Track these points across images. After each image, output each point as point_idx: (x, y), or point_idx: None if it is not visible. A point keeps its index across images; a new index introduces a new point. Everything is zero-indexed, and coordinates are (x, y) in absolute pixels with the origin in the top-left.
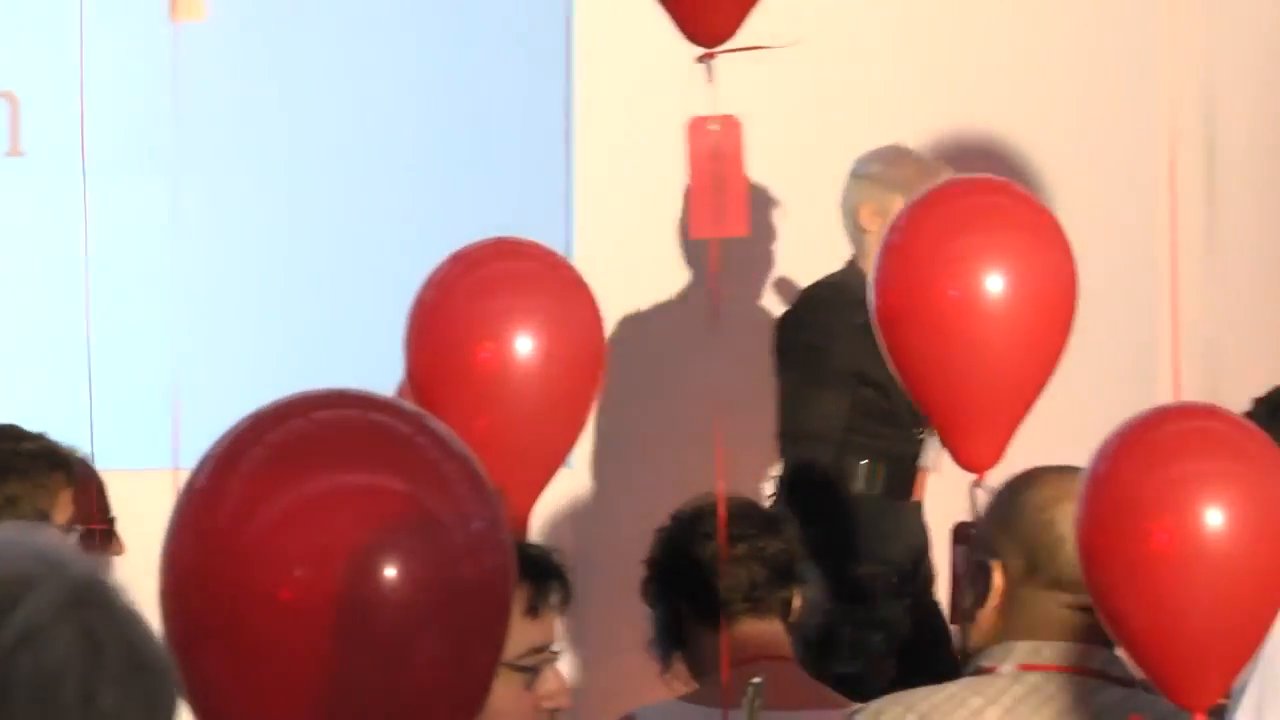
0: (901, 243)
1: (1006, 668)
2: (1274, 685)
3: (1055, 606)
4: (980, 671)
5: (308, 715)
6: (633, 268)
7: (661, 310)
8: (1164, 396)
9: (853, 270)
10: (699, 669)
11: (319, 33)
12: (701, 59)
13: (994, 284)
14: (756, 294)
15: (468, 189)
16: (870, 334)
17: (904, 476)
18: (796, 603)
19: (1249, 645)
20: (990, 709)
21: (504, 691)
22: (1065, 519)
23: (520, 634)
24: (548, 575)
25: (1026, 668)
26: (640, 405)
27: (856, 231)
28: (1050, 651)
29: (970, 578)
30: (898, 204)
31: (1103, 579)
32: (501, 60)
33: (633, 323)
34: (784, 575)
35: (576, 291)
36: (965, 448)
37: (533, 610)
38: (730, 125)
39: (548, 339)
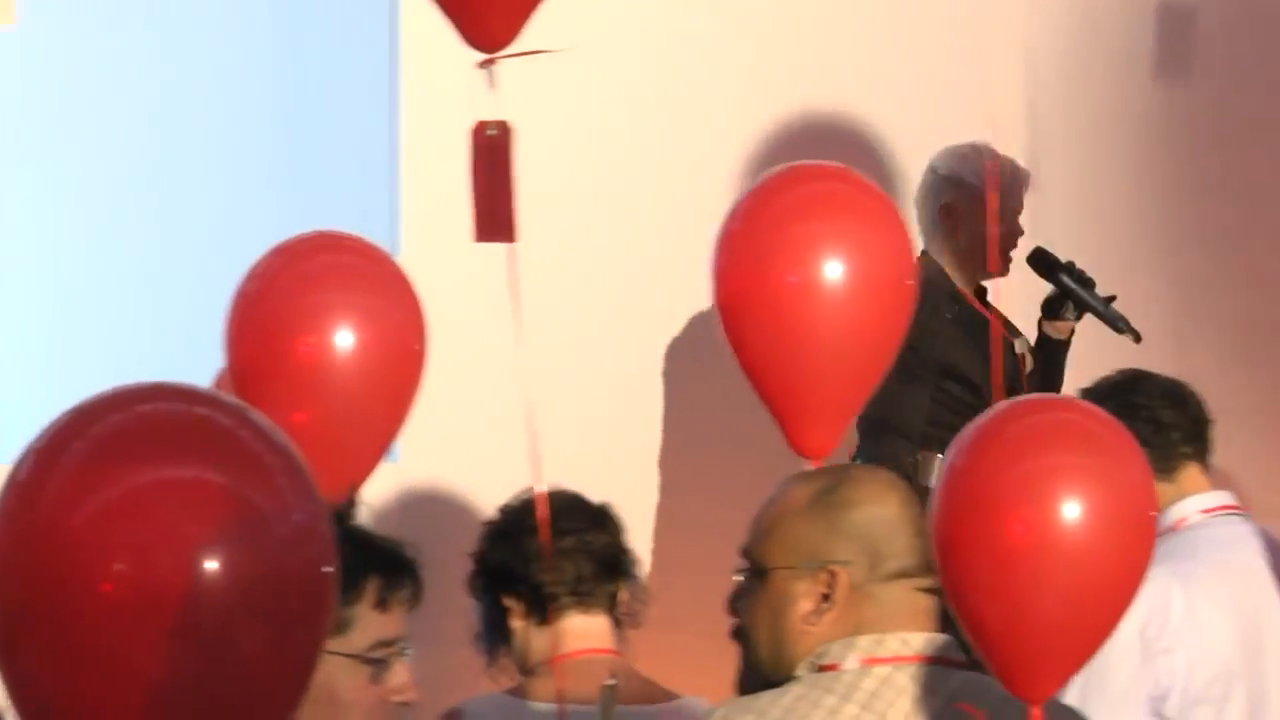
0: (741, 230)
1: (850, 664)
2: (1099, 672)
3: (907, 593)
4: (821, 670)
5: (130, 709)
6: (457, 264)
7: (484, 306)
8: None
9: (931, 265)
10: (525, 663)
11: (138, 30)
12: (483, 65)
13: (833, 270)
14: (556, 293)
15: (292, 187)
16: (958, 328)
17: None
18: (623, 596)
19: (1097, 639)
20: (847, 706)
21: (351, 684)
22: (891, 505)
23: (369, 627)
24: (399, 569)
25: (870, 661)
26: (465, 398)
27: (934, 229)
28: (895, 643)
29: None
30: (978, 208)
31: (958, 571)
32: (327, 56)
33: (455, 317)
34: (611, 569)
35: (398, 286)
36: (803, 434)
37: (382, 603)
38: (504, 130)
39: (369, 333)
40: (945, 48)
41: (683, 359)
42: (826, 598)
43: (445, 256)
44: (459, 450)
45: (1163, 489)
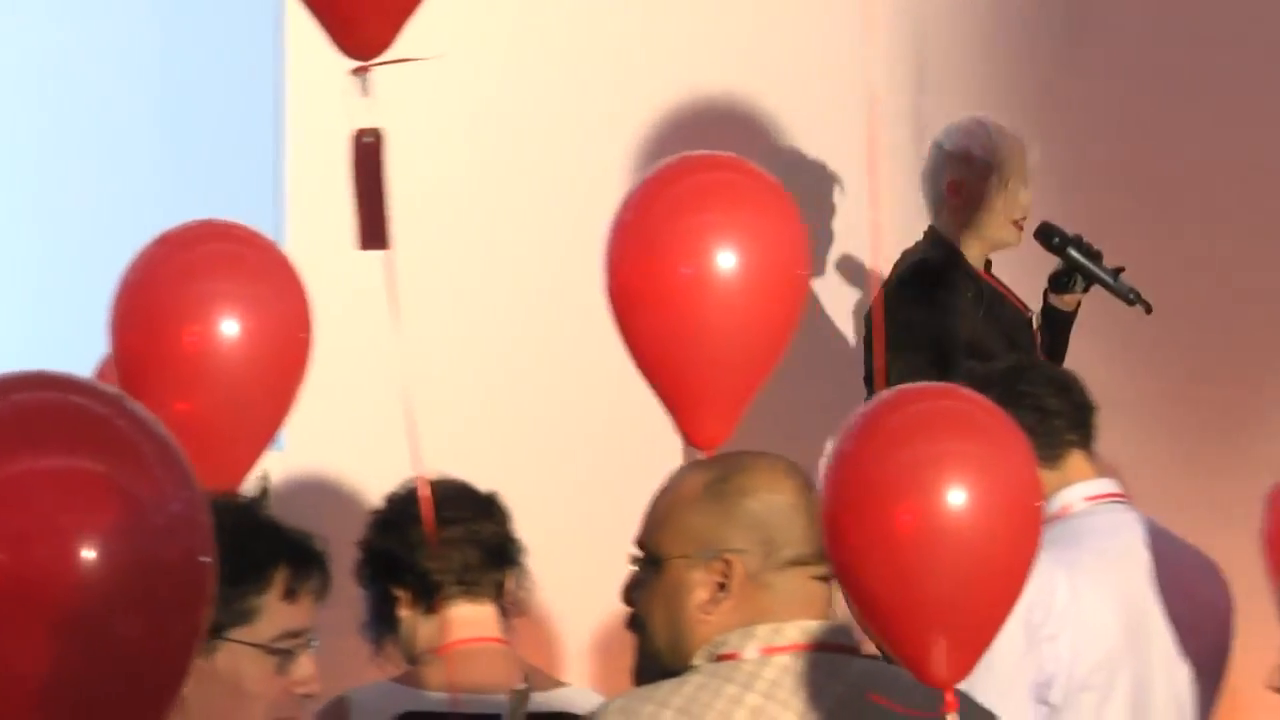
0: (634, 220)
1: (750, 653)
2: (984, 660)
3: (804, 581)
4: (719, 659)
5: (5, 699)
6: (341, 254)
7: (368, 295)
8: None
9: (941, 242)
10: (411, 652)
11: (23, 24)
12: (355, 72)
13: (725, 261)
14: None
15: (176, 183)
16: (980, 305)
17: None
18: (509, 585)
19: (994, 622)
20: (748, 695)
21: (257, 674)
22: (786, 493)
23: (277, 617)
24: (308, 560)
25: (770, 650)
26: (351, 387)
27: (940, 205)
28: (794, 631)
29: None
30: (986, 183)
31: (848, 559)
32: (213, 51)
33: (341, 305)
34: (498, 558)
35: (283, 274)
36: (695, 425)
37: (290, 594)
38: (377, 137)
39: (254, 321)
40: (825, 27)
41: (564, 350)
42: (723, 587)
43: (329, 246)
44: (345, 439)
45: (1047, 476)
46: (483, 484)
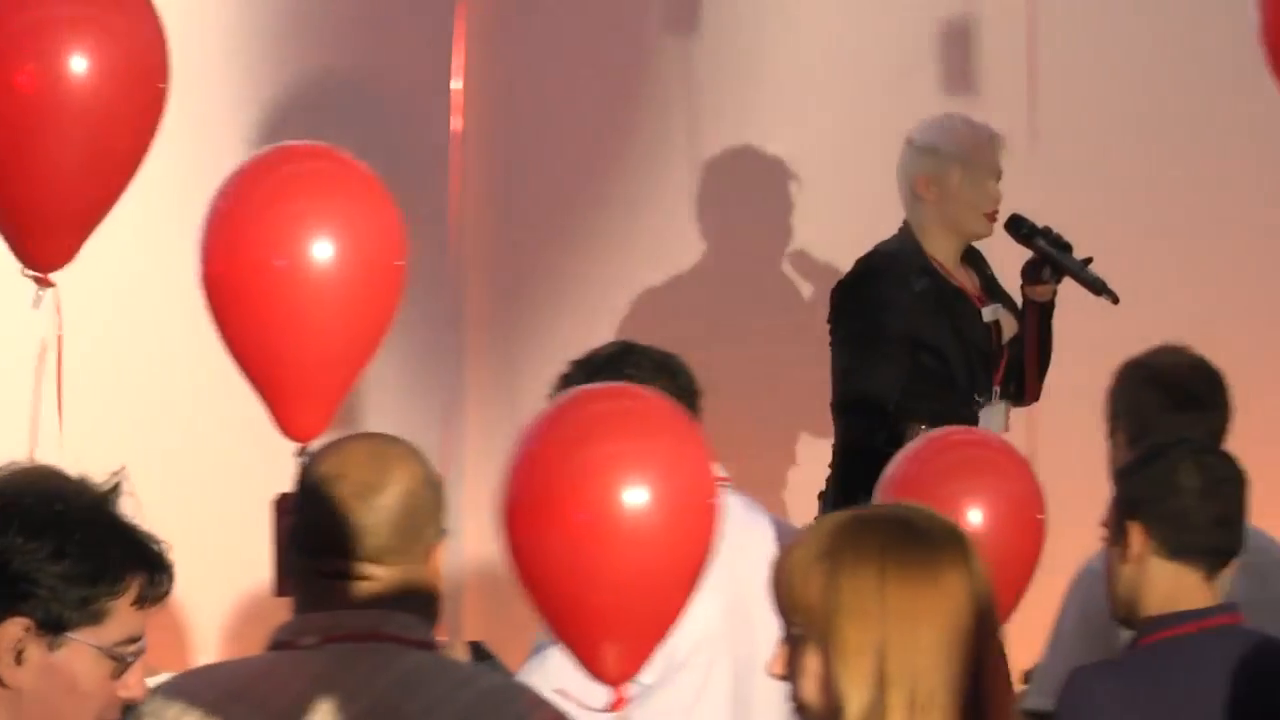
0: (226, 210)
1: (308, 640)
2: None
3: (338, 580)
4: (282, 646)
5: None
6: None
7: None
8: None
9: (907, 237)
10: None
11: None
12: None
13: (321, 252)
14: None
15: None
16: (927, 299)
17: None
18: None
19: (667, 620)
20: (295, 681)
21: (95, 675)
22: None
23: (124, 622)
24: (162, 568)
25: (330, 639)
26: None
27: (913, 200)
28: (351, 620)
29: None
30: (954, 176)
31: (525, 555)
32: None
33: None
34: None
35: None
36: (291, 418)
37: (141, 601)
38: None
39: None
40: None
41: (176, 339)
42: None
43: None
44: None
45: None
46: (100, 472)
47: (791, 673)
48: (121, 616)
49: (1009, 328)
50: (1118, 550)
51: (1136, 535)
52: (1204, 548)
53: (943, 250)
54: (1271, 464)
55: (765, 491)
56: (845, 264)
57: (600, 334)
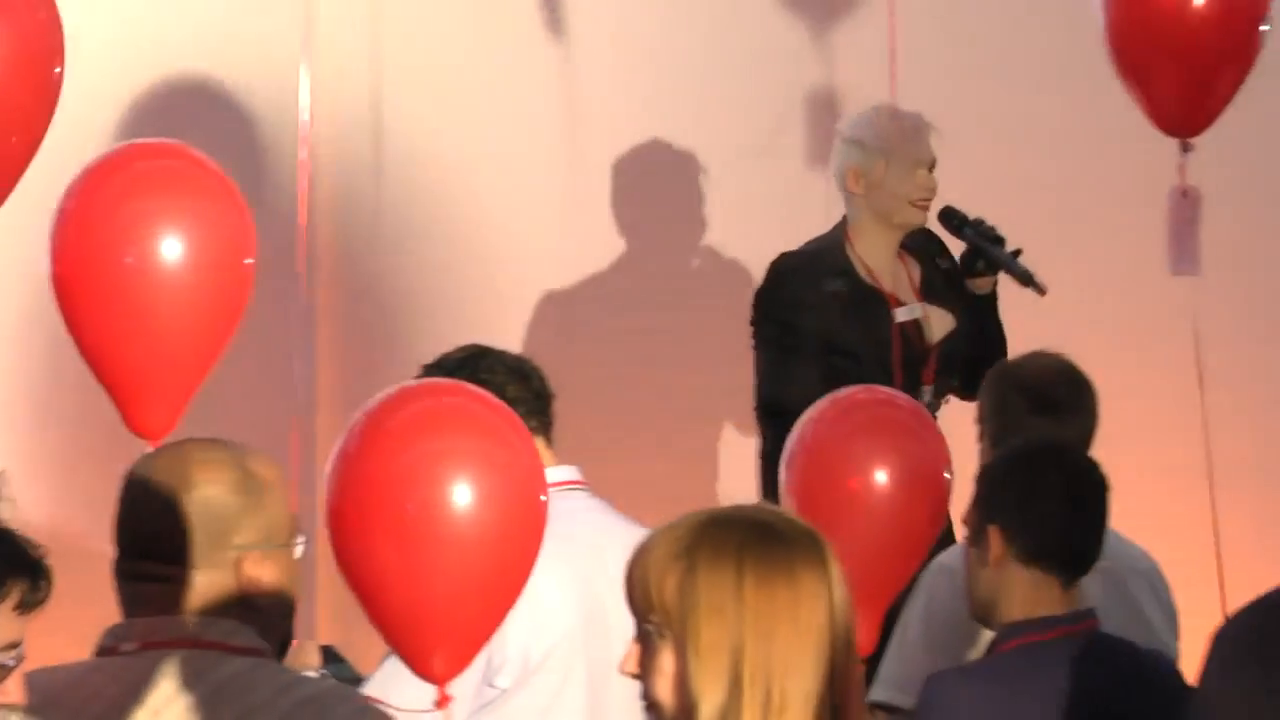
0: (75, 208)
1: (129, 646)
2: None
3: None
4: (105, 652)
5: None
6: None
7: None
8: None
9: (836, 234)
10: None
11: None
12: None
13: (170, 250)
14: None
15: None
16: (839, 300)
17: None
18: None
19: (495, 618)
20: (111, 687)
21: None
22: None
23: (5, 628)
24: (43, 574)
25: (149, 645)
26: None
27: (846, 194)
28: (172, 627)
29: None
30: (880, 167)
31: (353, 555)
32: None
33: None
34: None
35: None
36: (141, 416)
37: (24, 606)
38: None
39: None
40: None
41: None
42: None
43: None
44: None
45: None
46: None
47: (644, 671)
48: (4, 622)
49: (940, 325)
50: (977, 552)
51: (996, 539)
52: (1063, 554)
53: (877, 244)
54: (1131, 468)
55: (619, 494)
56: (697, 264)
57: (454, 335)
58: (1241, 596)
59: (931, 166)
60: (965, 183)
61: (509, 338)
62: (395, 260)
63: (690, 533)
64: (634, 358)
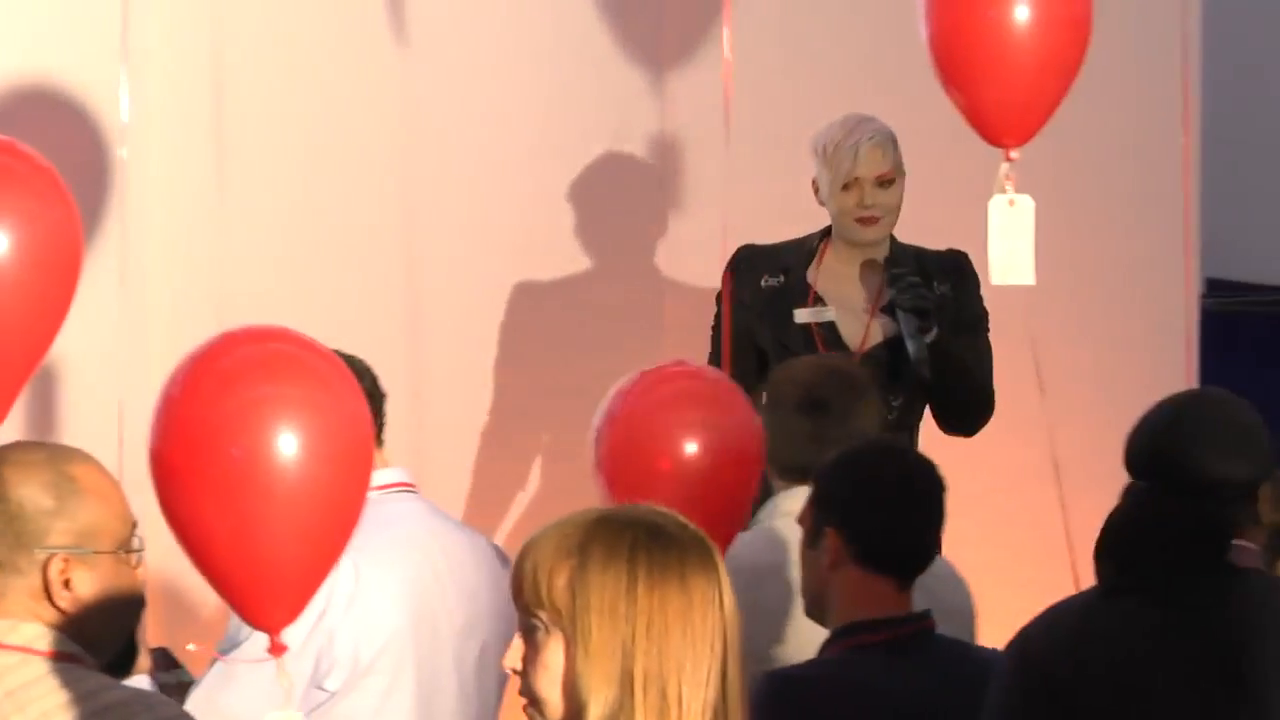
0: None
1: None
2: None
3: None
4: None
5: None
6: None
7: None
8: None
9: (813, 236)
10: None
11: None
12: None
13: None
14: None
15: None
16: (765, 297)
17: None
18: None
19: (324, 567)
20: None
21: None
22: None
23: None
24: None
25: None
26: None
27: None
28: (30, 631)
29: None
30: (824, 179)
31: (180, 504)
32: None
33: None
34: None
35: None
36: None
37: None
38: None
39: None
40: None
41: None
42: None
43: None
44: None
45: None
46: None
47: (527, 667)
48: None
49: (851, 334)
50: (814, 553)
51: (834, 541)
52: (900, 556)
53: (840, 253)
54: (981, 469)
55: (451, 496)
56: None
57: None
58: (1074, 588)
59: (883, 181)
60: (805, 205)
61: (354, 338)
62: None
63: (581, 530)
64: (476, 360)
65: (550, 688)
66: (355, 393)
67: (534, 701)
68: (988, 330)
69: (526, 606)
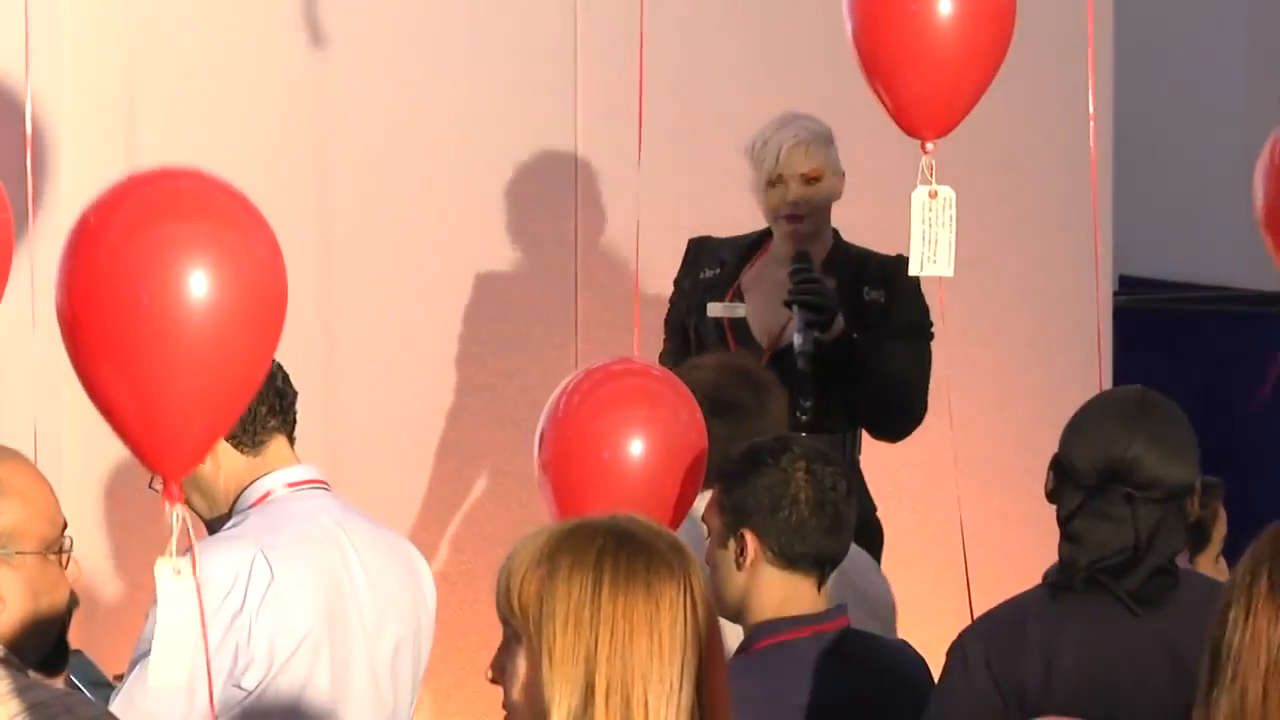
0: None
1: None
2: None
3: None
4: None
5: None
6: None
7: None
8: None
9: (762, 230)
10: None
11: None
12: None
13: None
14: None
15: None
16: (703, 286)
17: None
18: None
19: (234, 409)
20: None
21: None
22: None
23: None
24: None
25: None
26: None
27: None
28: None
29: None
30: (753, 175)
31: (87, 352)
32: None
33: None
34: None
35: None
36: None
37: None
38: None
39: None
40: None
41: None
42: None
43: None
44: None
45: (251, 463)
46: None
47: (503, 675)
48: None
49: (764, 331)
50: (727, 554)
51: (750, 543)
52: (816, 556)
53: (779, 249)
54: (889, 465)
55: (364, 494)
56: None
57: None
58: (986, 583)
59: (809, 179)
60: (719, 198)
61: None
62: None
63: (553, 539)
64: (389, 361)
65: (519, 695)
66: (265, 231)
67: (509, 709)
68: (926, 339)
69: (502, 615)
